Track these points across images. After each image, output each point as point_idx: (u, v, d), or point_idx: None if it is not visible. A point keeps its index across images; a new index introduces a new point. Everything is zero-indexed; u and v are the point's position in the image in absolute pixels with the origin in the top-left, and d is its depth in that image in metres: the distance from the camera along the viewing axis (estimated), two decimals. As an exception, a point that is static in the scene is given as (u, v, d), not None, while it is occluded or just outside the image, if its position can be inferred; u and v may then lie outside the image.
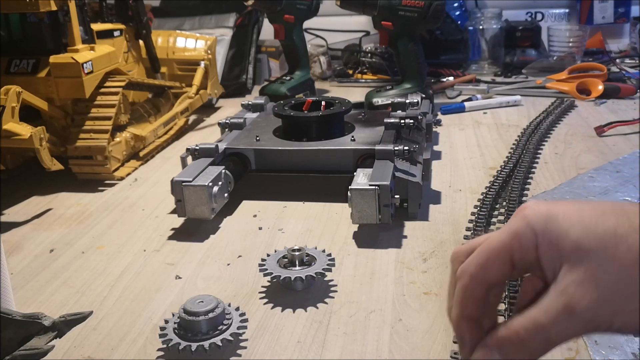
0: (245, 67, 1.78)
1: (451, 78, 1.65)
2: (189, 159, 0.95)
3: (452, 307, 0.36)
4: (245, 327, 0.59)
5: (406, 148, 0.88)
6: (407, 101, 1.11)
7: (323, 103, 1.03)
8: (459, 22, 1.90)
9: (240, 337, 0.59)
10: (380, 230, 0.82)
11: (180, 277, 0.73)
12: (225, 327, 0.58)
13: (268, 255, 0.71)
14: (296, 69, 1.53)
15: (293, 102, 1.05)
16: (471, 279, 0.34)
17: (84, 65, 1.05)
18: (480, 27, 1.85)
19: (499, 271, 0.34)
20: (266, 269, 0.68)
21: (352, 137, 0.97)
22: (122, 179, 1.10)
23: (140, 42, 1.39)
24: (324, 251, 0.71)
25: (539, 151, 1.10)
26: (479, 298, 0.35)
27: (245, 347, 0.59)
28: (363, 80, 1.83)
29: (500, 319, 0.37)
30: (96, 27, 1.19)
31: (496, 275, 0.34)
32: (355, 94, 1.63)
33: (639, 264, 0.30)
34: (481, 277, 0.34)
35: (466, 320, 0.35)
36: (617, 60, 1.78)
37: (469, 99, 1.47)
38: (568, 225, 0.32)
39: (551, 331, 0.31)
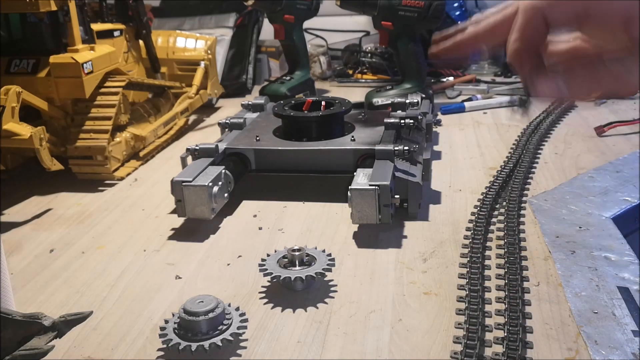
0: (245, 67, 1.78)
1: (451, 78, 1.65)
2: (189, 159, 0.95)
3: (511, 40, 0.38)
4: (245, 327, 0.59)
5: (406, 148, 0.88)
6: (407, 101, 1.11)
7: (323, 103, 1.03)
8: (459, 22, 1.90)
9: (240, 337, 0.59)
10: (380, 230, 0.82)
11: (180, 277, 0.73)
12: (225, 327, 0.58)
13: (268, 255, 0.71)
14: (296, 69, 1.53)
15: (293, 102, 1.05)
16: (534, 10, 0.36)
17: (84, 65, 1.05)
18: (481, 27, 1.84)
19: (564, 13, 0.36)
20: (266, 269, 0.68)
21: (352, 137, 0.97)
22: (122, 179, 1.10)
23: (140, 42, 1.39)
24: (324, 251, 0.71)
25: (539, 151, 1.10)
26: (539, 30, 0.37)
27: (245, 347, 0.59)
28: (363, 80, 1.83)
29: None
30: (96, 27, 1.19)
31: (560, 17, 0.36)
32: (355, 94, 1.63)
33: None
34: (546, 12, 0.36)
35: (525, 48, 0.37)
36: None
37: (469, 99, 1.48)
38: None
39: None
